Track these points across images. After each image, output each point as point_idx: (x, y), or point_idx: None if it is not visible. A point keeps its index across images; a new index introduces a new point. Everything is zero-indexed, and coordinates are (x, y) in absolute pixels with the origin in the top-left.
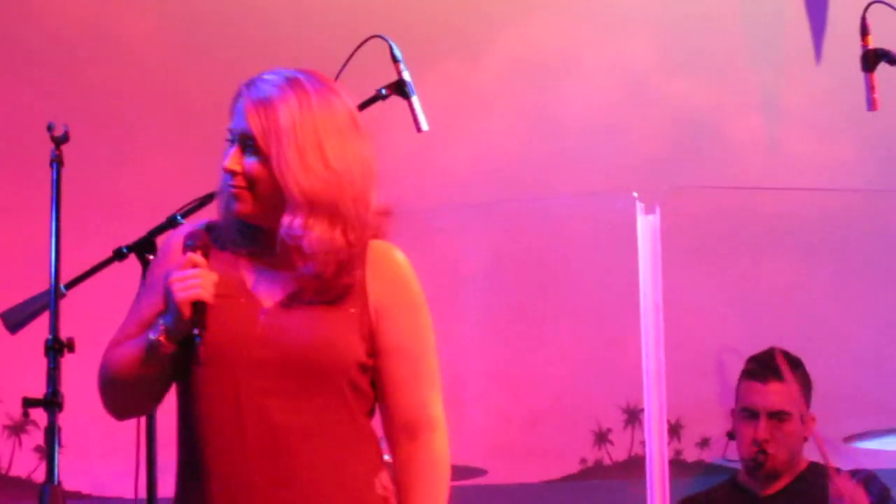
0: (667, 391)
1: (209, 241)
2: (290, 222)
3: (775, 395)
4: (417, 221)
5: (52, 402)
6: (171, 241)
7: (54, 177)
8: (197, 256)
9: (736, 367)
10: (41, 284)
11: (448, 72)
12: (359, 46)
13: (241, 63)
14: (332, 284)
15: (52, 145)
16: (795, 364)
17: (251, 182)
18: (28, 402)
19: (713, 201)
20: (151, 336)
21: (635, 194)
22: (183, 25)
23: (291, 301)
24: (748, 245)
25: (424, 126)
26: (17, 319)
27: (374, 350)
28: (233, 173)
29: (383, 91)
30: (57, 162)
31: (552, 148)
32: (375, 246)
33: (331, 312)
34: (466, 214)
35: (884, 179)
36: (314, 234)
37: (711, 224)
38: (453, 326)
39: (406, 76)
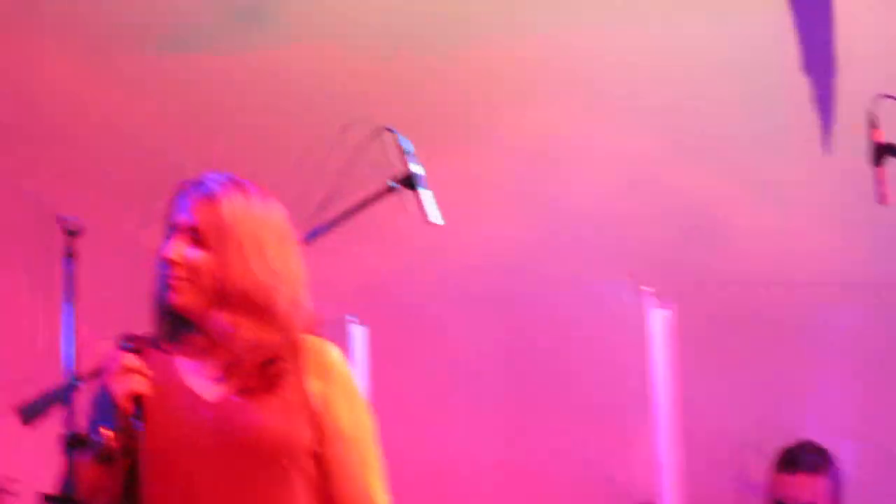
0: (683, 489)
1: (143, 340)
2: (225, 317)
3: (805, 487)
4: (428, 315)
5: (70, 499)
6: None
7: (68, 270)
8: (130, 356)
9: (754, 463)
10: (55, 376)
11: (457, 162)
12: (367, 139)
13: (244, 150)
14: (263, 376)
15: (62, 237)
16: (824, 457)
17: (191, 274)
18: (49, 499)
19: (728, 295)
20: (95, 437)
21: (648, 289)
22: (184, 111)
23: (229, 392)
24: (759, 338)
25: (436, 219)
26: (33, 412)
27: (318, 438)
28: (173, 264)
29: (393, 184)
30: (70, 255)
31: (562, 239)
32: (310, 341)
33: (272, 401)
34: (477, 308)
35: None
36: (246, 331)
37: (723, 318)
38: (465, 421)
39: (415, 169)
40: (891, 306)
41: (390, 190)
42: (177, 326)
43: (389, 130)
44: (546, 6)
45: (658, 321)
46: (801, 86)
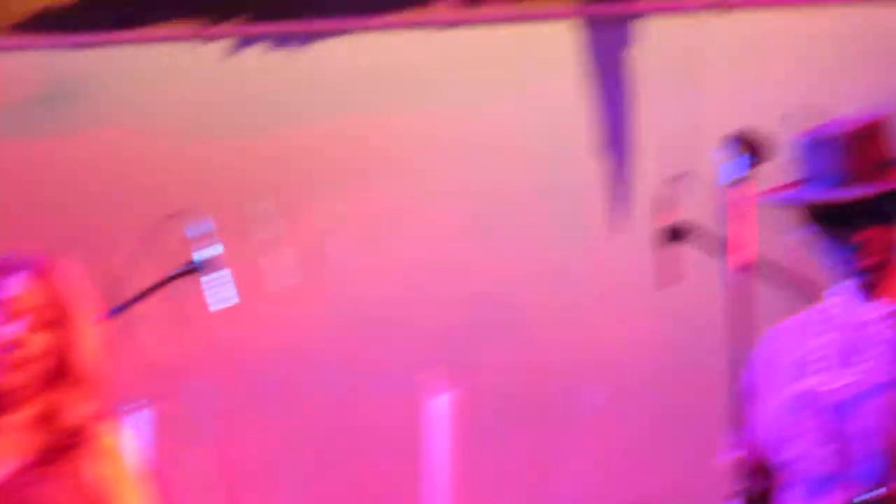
0: None
1: None
2: (56, 396)
3: None
4: (220, 399)
5: None
6: None
7: None
8: None
9: None
10: None
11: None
12: (161, 223)
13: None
14: (67, 453)
15: None
16: None
17: (28, 354)
18: None
19: (509, 377)
20: None
21: (429, 373)
22: None
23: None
24: (542, 424)
25: (223, 303)
26: None
27: None
28: (14, 344)
29: (191, 265)
30: None
31: (352, 321)
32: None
33: (65, 480)
34: (267, 392)
35: (682, 355)
36: (74, 408)
37: (509, 398)
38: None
39: (211, 251)
40: (673, 388)
41: (190, 272)
42: None
43: (187, 214)
44: (351, 90)
45: (439, 404)
46: (599, 168)
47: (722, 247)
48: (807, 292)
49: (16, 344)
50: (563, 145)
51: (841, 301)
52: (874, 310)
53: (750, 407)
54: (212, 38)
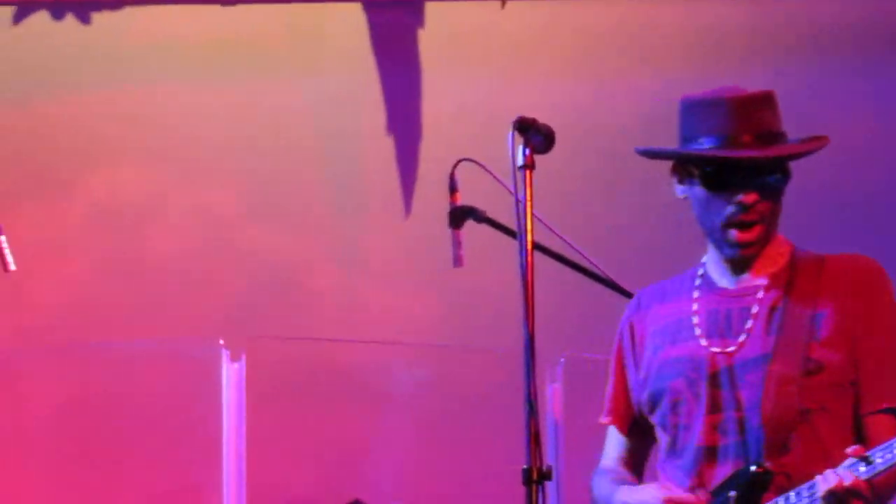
0: None
1: None
2: None
3: None
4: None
5: None
6: None
7: None
8: None
9: None
10: None
11: (35, 212)
12: None
13: None
14: None
15: None
16: None
17: None
18: None
19: (296, 351)
20: None
21: (221, 341)
22: None
23: None
24: (329, 395)
25: (12, 266)
26: None
27: None
28: None
29: None
30: None
31: (136, 293)
32: None
33: None
34: (41, 357)
35: (465, 335)
36: None
37: (294, 373)
38: (20, 472)
39: None
40: (454, 367)
41: None
42: None
43: None
44: (124, 63)
45: (231, 374)
46: (385, 149)
47: (510, 228)
48: (596, 276)
49: None
50: (350, 125)
51: (716, 269)
52: (748, 280)
53: (623, 369)
54: None
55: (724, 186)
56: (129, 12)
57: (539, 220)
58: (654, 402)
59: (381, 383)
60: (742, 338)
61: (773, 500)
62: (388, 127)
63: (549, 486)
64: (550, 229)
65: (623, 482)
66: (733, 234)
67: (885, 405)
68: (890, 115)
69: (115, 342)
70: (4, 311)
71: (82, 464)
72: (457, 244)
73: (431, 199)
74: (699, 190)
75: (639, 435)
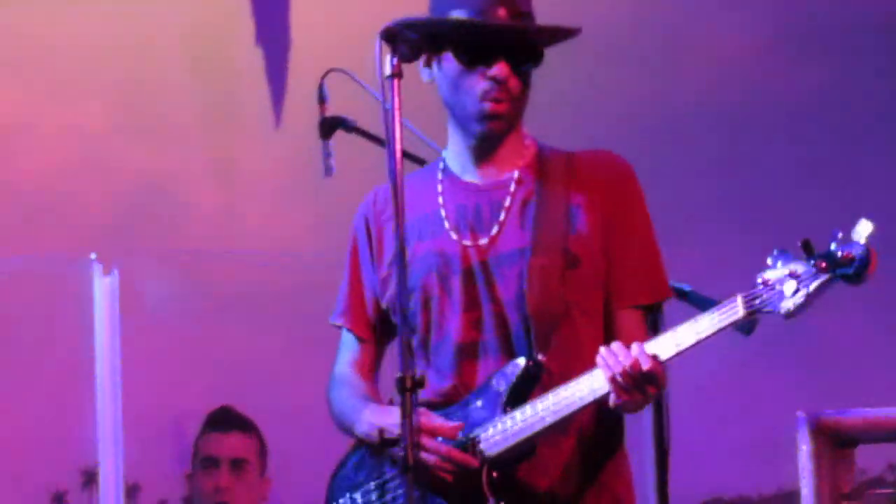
0: (124, 453)
1: None
2: None
3: (236, 443)
4: None
5: None
6: None
7: None
8: None
9: (193, 430)
10: None
11: None
12: None
13: None
14: None
15: None
16: (254, 425)
17: None
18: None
19: (170, 265)
20: None
21: (93, 255)
22: None
23: None
24: (203, 308)
25: None
26: None
27: None
28: None
29: None
30: None
31: (4, 210)
32: None
33: None
34: None
35: (336, 245)
36: None
37: (169, 287)
38: None
39: None
40: (325, 276)
41: None
42: None
43: None
44: None
45: (103, 288)
46: (255, 60)
47: (380, 137)
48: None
49: None
50: (219, 37)
51: (458, 162)
52: (496, 174)
53: (358, 268)
54: None
55: (477, 60)
56: None
57: (408, 127)
58: (411, 301)
59: (254, 294)
60: (495, 230)
61: (554, 390)
62: (258, 38)
63: None
64: (421, 137)
65: (366, 398)
66: (486, 106)
67: (637, 302)
68: None
69: None
70: None
71: None
72: (327, 154)
73: (302, 110)
74: (451, 67)
75: (375, 336)
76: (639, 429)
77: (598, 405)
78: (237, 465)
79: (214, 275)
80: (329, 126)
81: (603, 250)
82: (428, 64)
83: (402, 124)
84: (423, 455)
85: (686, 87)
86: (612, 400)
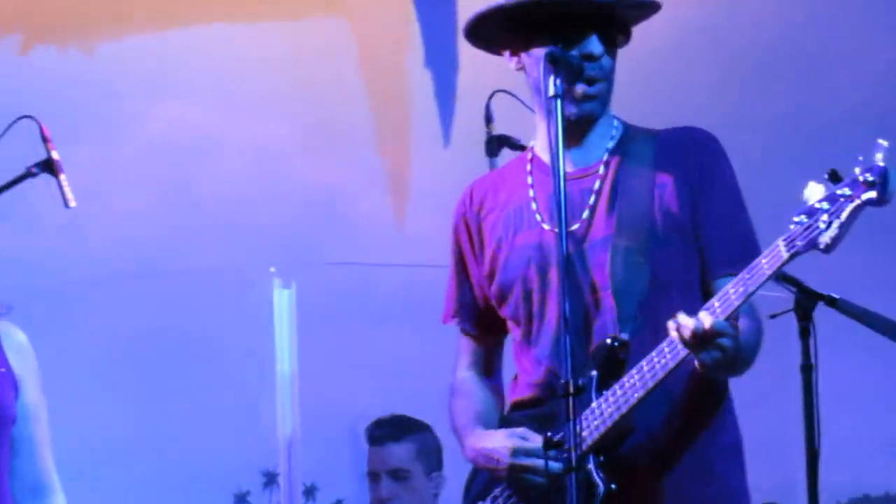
0: (302, 456)
1: None
2: None
3: (392, 455)
4: (66, 296)
5: None
6: None
7: None
8: None
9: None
10: None
11: (94, 151)
12: (9, 127)
13: None
14: None
15: None
16: (415, 426)
17: None
18: None
19: (343, 276)
20: None
21: (272, 269)
22: None
23: None
24: (374, 317)
25: (72, 203)
26: None
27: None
28: None
29: (33, 169)
30: None
31: (193, 225)
32: (3, 324)
33: None
34: (115, 288)
35: None
36: None
37: (343, 298)
38: (93, 399)
39: (55, 155)
40: None
41: (30, 174)
42: None
43: (31, 118)
44: (178, 9)
45: (282, 300)
46: (425, 82)
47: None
48: None
49: None
50: (392, 62)
51: (548, 150)
52: (584, 160)
53: (465, 267)
54: None
55: (572, 38)
56: None
57: None
58: (504, 295)
59: (421, 303)
60: (585, 215)
61: (637, 365)
62: (427, 61)
63: None
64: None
65: (477, 416)
66: (580, 87)
67: (729, 270)
68: None
69: (174, 271)
70: (65, 246)
71: (146, 385)
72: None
73: (468, 128)
74: (539, 51)
75: (487, 331)
76: (789, 426)
77: (695, 380)
78: (396, 474)
79: (383, 286)
80: (495, 144)
81: (693, 225)
82: (514, 53)
83: (563, 138)
84: (532, 476)
85: (838, 100)
86: (696, 363)
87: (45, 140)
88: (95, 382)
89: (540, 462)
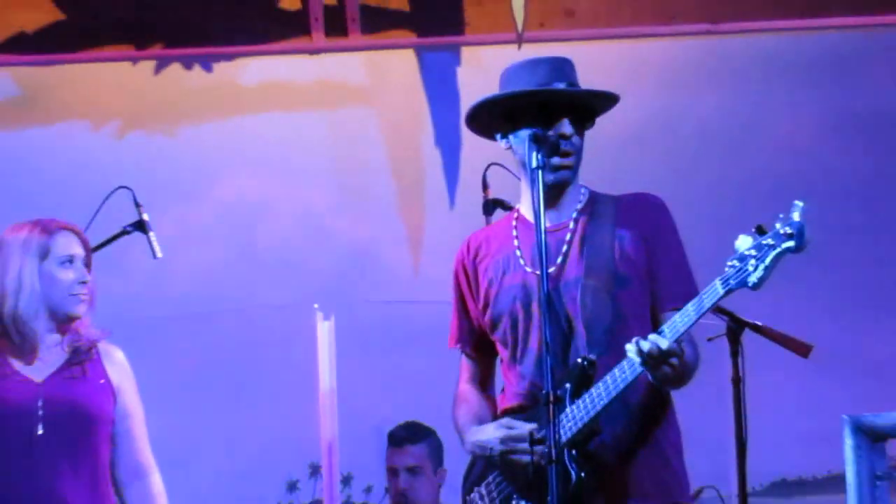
0: (340, 452)
1: None
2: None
3: (409, 455)
4: (154, 329)
5: None
6: None
7: None
8: None
9: None
10: None
11: (176, 213)
12: (109, 195)
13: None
14: (78, 365)
15: None
16: (426, 431)
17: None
18: None
19: (372, 311)
20: None
21: (316, 305)
22: None
23: (53, 374)
24: (396, 342)
25: (159, 254)
26: None
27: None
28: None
29: (128, 228)
30: None
31: (253, 271)
32: (105, 345)
33: (90, 382)
34: (180, 322)
35: None
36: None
37: (371, 328)
38: (177, 408)
39: (145, 217)
40: None
41: (126, 233)
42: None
43: (126, 188)
44: (241, 100)
45: (324, 329)
46: (435, 156)
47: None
48: None
49: (86, 283)
50: (410, 142)
51: (530, 210)
52: (558, 217)
53: (464, 302)
54: (138, 59)
55: (549, 121)
56: (241, 62)
57: None
58: (495, 324)
59: (434, 332)
60: (559, 260)
61: (602, 379)
62: (436, 140)
63: None
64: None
65: (475, 417)
66: (556, 160)
67: (674, 306)
68: None
69: (238, 308)
70: (153, 289)
71: (218, 397)
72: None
73: (469, 194)
74: (524, 132)
75: (482, 353)
76: (723, 425)
77: (648, 390)
78: (412, 470)
79: (402, 318)
80: (491, 206)
81: (647, 269)
82: (504, 135)
83: (543, 200)
84: (518, 456)
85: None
86: (649, 377)
87: (137, 205)
88: (178, 394)
89: (525, 445)
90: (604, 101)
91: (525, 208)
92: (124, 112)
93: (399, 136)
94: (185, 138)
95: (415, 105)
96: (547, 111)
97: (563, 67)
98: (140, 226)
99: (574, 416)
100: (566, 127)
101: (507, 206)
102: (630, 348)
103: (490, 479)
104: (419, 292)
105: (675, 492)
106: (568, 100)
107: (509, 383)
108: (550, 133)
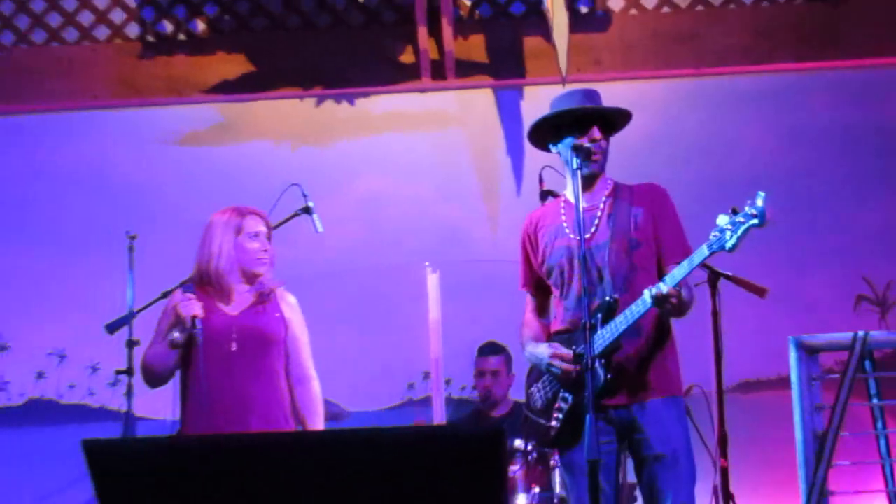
0: (445, 364)
1: (194, 289)
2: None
3: (492, 362)
4: (313, 280)
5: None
6: (172, 298)
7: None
8: (191, 295)
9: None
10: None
11: (337, 202)
12: (285, 190)
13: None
14: (261, 304)
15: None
16: (502, 347)
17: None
18: (118, 372)
19: (466, 267)
20: (171, 336)
21: (427, 264)
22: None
23: (244, 311)
24: (483, 288)
25: (321, 229)
26: (114, 327)
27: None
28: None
29: (299, 211)
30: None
31: (380, 240)
32: (281, 291)
33: (269, 315)
34: (335, 280)
35: None
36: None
37: (466, 278)
38: (328, 331)
39: (310, 203)
40: None
41: (296, 215)
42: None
43: (297, 185)
44: (373, 124)
45: (433, 281)
46: (507, 161)
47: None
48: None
49: (268, 251)
50: (489, 154)
51: (573, 194)
52: (592, 200)
53: (528, 257)
54: (304, 97)
55: (583, 131)
56: (373, 98)
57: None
58: (549, 272)
59: (510, 281)
60: (592, 230)
61: (623, 312)
62: (508, 150)
63: None
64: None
65: (535, 336)
66: (587, 157)
67: (675, 260)
68: None
69: (371, 266)
70: (314, 253)
71: (361, 326)
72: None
73: (530, 187)
74: (568, 139)
75: (540, 293)
76: (705, 340)
77: (655, 319)
78: (494, 373)
79: (485, 273)
80: (545, 194)
81: (654, 236)
82: (553, 143)
83: (581, 191)
84: (559, 366)
85: (733, 169)
86: (657, 311)
87: (304, 196)
88: (331, 326)
89: (569, 354)
90: (620, 116)
91: (568, 194)
92: (295, 133)
93: (481, 149)
94: (335, 151)
95: (492, 127)
96: (582, 123)
97: (592, 94)
98: (306, 210)
99: (603, 337)
100: (596, 133)
101: (555, 195)
102: (645, 293)
103: (544, 378)
104: (496, 254)
105: (673, 387)
106: (596, 113)
107: (558, 313)
108: (585, 140)
